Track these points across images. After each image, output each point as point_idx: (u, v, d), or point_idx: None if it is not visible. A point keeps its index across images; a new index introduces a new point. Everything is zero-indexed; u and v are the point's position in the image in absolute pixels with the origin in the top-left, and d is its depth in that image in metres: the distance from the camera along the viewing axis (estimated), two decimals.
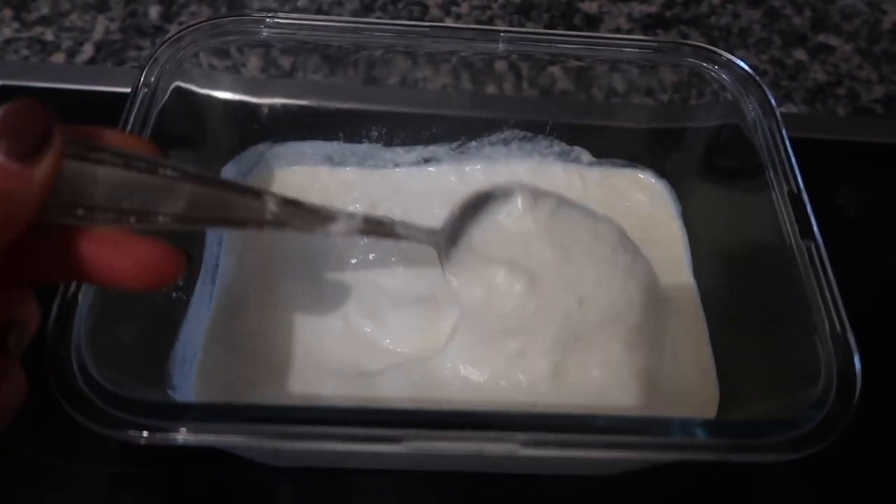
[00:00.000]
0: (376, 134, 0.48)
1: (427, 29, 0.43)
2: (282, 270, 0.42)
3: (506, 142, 0.48)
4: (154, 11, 0.62)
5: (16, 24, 0.60)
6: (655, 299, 0.40)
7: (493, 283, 0.37)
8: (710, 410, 0.39)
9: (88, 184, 0.24)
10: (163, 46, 0.40)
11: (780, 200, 0.36)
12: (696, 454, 0.29)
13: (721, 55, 0.43)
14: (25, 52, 0.59)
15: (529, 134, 0.48)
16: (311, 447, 0.28)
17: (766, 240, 0.37)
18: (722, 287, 0.43)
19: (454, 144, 0.48)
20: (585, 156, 0.48)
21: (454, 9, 0.64)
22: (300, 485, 0.40)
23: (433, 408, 0.36)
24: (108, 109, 0.37)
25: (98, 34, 0.60)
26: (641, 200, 0.48)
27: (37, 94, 0.52)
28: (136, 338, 0.36)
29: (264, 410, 0.30)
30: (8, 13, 0.61)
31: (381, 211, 0.37)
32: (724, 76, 0.42)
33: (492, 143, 0.48)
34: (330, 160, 0.48)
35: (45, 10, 0.61)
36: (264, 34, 0.42)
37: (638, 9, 0.66)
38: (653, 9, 0.66)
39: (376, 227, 0.33)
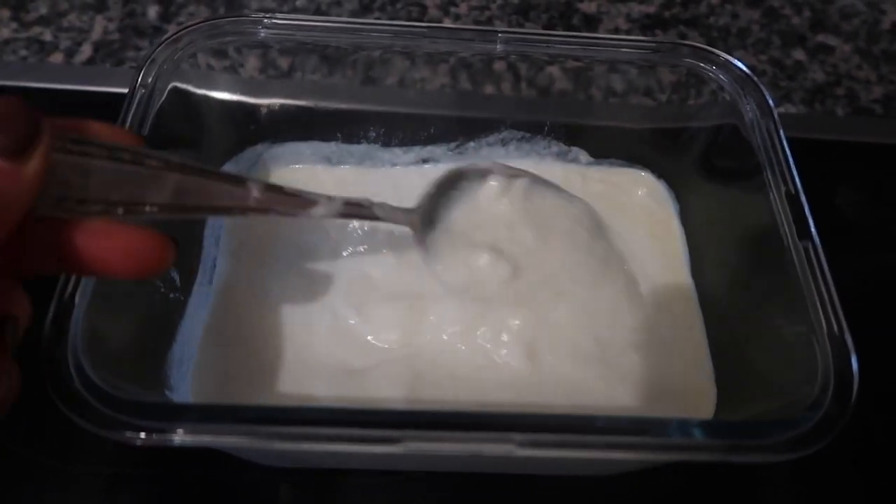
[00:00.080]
0: (374, 134, 0.48)
1: (425, 29, 0.43)
2: (274, 268, 0.42)
3: (504, 142, 0.48)
4: (152, 12, 0.62)
5: (14, 25, 0.60)
6: (628, 288, 0.40)
7: (476, 267, 0.38)
8: (707, 411, 0.39)
9: (76, 176, 0.24)
10: (160, 47, 0.40)
11: (778, 200, 0.36)
12: (694, 455, 0.29)
13: (719, 55, 0.43)
14: (24, 52, 0.59)
15: (527, 134, 0.48)
16: (308, 448, 0.28)
17: (763, 240, 0.37)
18: (719, 287, 0.43)
19: (452, 145, 0.48)
20: (583, 156, 0.48)
21: (453, 9, 0.64)
22: (297, 485, 0.40)
23: (430, 408, 0.36)
24: (107, 110, 0.37)
25: (96, 34, 0.60)
26: (640, 200, 0.48)
27: (35, 95, 0.53)
28: (134, 339, 0.36)
29: (261, 411, 0.30)
30: (6, 13, 0.61)
31: None
32: (721, 76, 0.42)
33: (490, 144, 0.48)
34: (328, 160, 0.48)
35: (43, 11, 0.61)
36: (262, 35, 0.42)
37: (636, 9, 0.66)
38: (651, 9, 0.66)
39: (356, 210, 0.35)
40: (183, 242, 0.41)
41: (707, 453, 0.29)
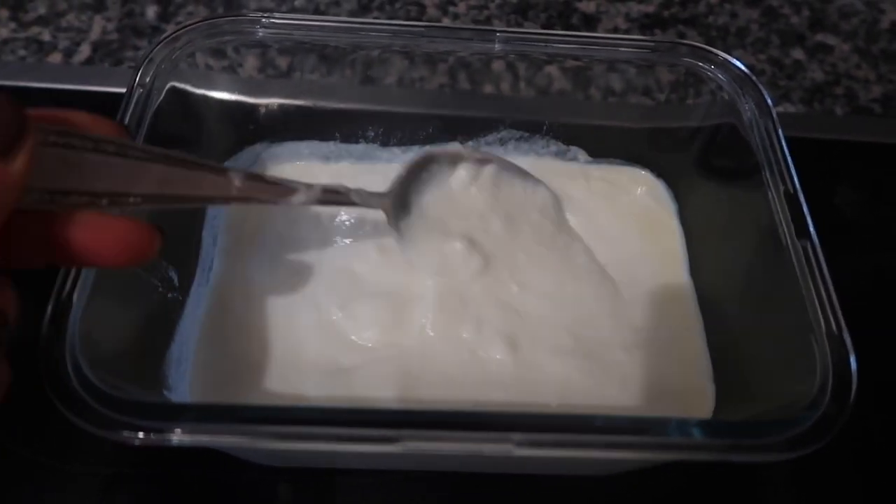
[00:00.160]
0: (373, 134, 0.48)
1: (423, 29, 0.43)
2: (266, 267, 0.42)
3: (502, 141, 0.48)
4: (151, 11, 0.62)
5: (13, 25, 0.60)
6: (600, 283, 0.43)
7: (450, 255, 0.40)
8: (706, 410, 0.39)
9: (60, 169, 0.24)
10: (158, 46, 0.40)
11: (777, 200, 0.36)
12: (693, 454, 0.29)
13: (717, 55, 0.43)
14: (22, 52, 0.58)
15: (526, 134, 0.48)
16: (305, 447, 0.28)
17: (762, 239, 0.37)
18: (718, 286, 0.43)
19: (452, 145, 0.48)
20: (582, 155, 0.48)
21: (451, 8, 0.64)
22: (296, 485, 0.40)
23: (428, 408, 0.36)
24: (105, 110, 0.36)
25: (95, 34, 0.60)
26: (638, 200, 0.47)
27: (34, 95, 0.53)
28: (132, 339, 0.36)
29: (259, 411, 0.30)
30: (5, 13, 0.61)
31: None
32: (720, 76, 0.42)
33: (488, 143, 0.48)
34: (326, 160, 0.48)
35: (41, 11, 0.61)
36: (260, 34, 0.42)
37: (636, 8, 0.66)
38: (650, 8, 0.66)
39: (334, 197, 0.36)
40: (181, 242, 0.42)
41: (706, 453, 0.29)
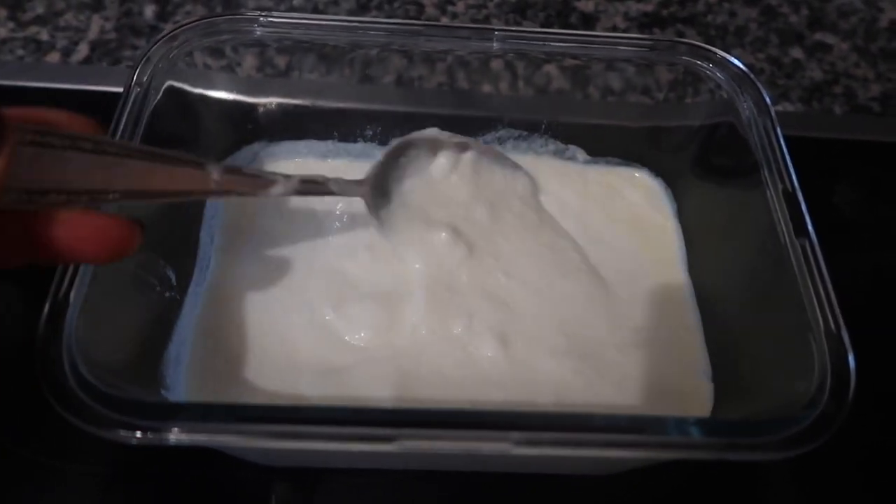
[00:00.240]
0: (371, 133, 0.47)
1: (422, 28, 0.43)
2: (260, 267, 0.42)
3: (501, 140, 0.48)
4: (149, 11, 0.62)
5: (11, 24, 0.60)
6: (581, 276, 0.43)
7: (434, 244, 0.41)
8: (704, 409, 0.39)
9: (39, 168, 0.24)
10: (156, 45, 0.40)
11: (775, 198, 0.36)
12: (691, 453, 0.29)
13: (716, 53, 0.43)
14: (20, 51, 0.58)
15: (525, 132, 0.48)
16: (302, 446, 0.28)
17: (760, 238, 0.37)
18: (716, 285, 0.43)
19: None
20: (580, 154, 0.48)
21: (450, 7, 0.64)
22: (294, 484, 0.40)
23: (426, 407, 0.36)
24: (104, 109, 0.37)
25: (93, 34, 0.60)
26: (636, 199, 0.47)
27: (32, 94, 0.53)
28: (130, 338, 0.36)
29: (256, 410, 0.30)
30: (3, 13, 0.61)
31: None
32: (719, 74, 0.42)
33: (487, 142, 0.48)
34: (324, 158, 0.48)
35: (40, 10, 0.61)
36: (258, 33, 0.42)
37: (634, 7, 0.66)
38: (649, 7, 0.66)
39: (312, 187, 0.36)
40: (179, 241, 0.42)
41: (704, 451, 0.29)
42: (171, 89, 0.40)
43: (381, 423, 0.28)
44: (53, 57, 0.58)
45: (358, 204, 0.40)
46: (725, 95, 0.42)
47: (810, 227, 0.35)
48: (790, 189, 0.36)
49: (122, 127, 0.36)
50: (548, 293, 0.42)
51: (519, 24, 0.64)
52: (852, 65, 0.63)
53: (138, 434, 0.27)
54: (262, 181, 0.34)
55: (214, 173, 0.31)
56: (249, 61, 0.46)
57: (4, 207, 0.24)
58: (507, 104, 0.47)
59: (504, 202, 0.44)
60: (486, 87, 0.47)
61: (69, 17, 0.61)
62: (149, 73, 0.39)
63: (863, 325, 0.32)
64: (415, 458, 0.38)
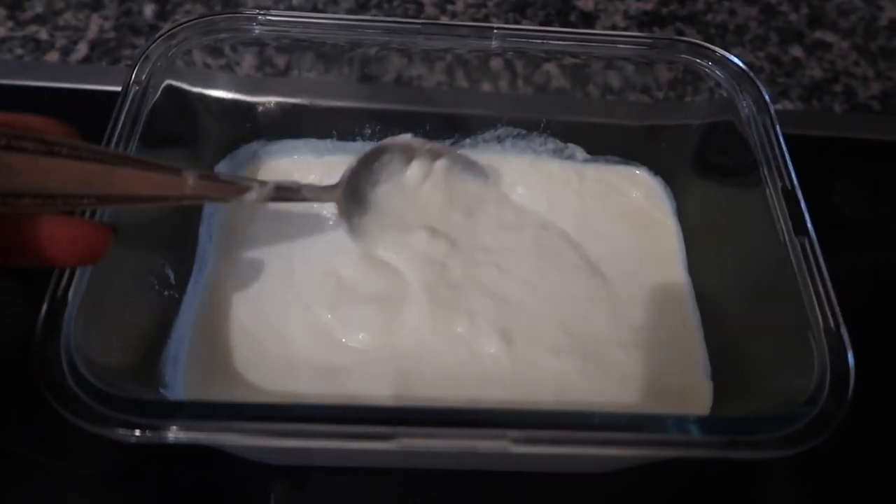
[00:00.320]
0: (370, 131, 0.47)
1: (421, 26, 0.43)
2: (257, 266, 0.42)
3: (500, 139, 0.48)
4: (148, 10, 0.62)
5: (10, 23, 0.60)
6: (579, 273, 0.43)
7: (416, 244, 0.41)
8: (704, 407, 0.39)
9: (13, 172, 0.24)
10: (154, 44, 0.40)
11: (774, 196, 0.36)
12: (691, 451, 0.29)
13: (715, 52, 0.43)
14: (20, 51, 0.58)
15: (524, 131, 0.48)
16: (302, 445, 0.28)
17: (760, 236, 0.37)
18: (716, 283, 0.42)
19: (448, 142, 0.48)
20: (580, 153, 0.48)
21: (449, 6, 0.64)
22: (292, 483, 0.40)
23: (424, 405, 0.36)
24: (103, 108, 0.37)
25: (92, 33, 0.60)
26: (636, 197, 0.47)
27: (31, 93, 0.53)
28: (128, 337, 0.36)
29: (255, 408, 0.30)
30: (2, 12, 0.61)
31: None
32: (718, 73, 0.42)
33: (486, 141, 0.48)
34: (322, 157, 0.48)
35: (39, 9, 0.61)
36: (257, 31, 0.42)
37: (634, 6, 0.66)
38: (649, 6, 0.66)
39: (286, 193, 0.37)
40: (178, 240, 0.42)
41: (704, 450, 0.29)
42: (170, 88, 0.40)
43: (380, 421, 0.28)
44: (53, 56, 0.58)
45: None
46: (725, 94, 0.42)
47: (810, 226, 0.35)
48: (790, 187, 0.36)
49: (120, 126, 0.36)
50: (547, 290, 0.42)
51: (518, 22, 0.64)
52: (852, 63, 0.63)
53: (137, 432, 0.27)
54: (237, 187, 0.34)
55: (189, 179, 0.31)
56: (248, 60, 0.45)
57: None
58: (507, 103, 0.47)
59: (479, 206, 0.45)
60: (486, 86, 0.47)
61: (68, 17, 0.61)
62: (147, 71, 0.39)
63: (862, 324, 0.32)
64: (414, 457, 0.38)
